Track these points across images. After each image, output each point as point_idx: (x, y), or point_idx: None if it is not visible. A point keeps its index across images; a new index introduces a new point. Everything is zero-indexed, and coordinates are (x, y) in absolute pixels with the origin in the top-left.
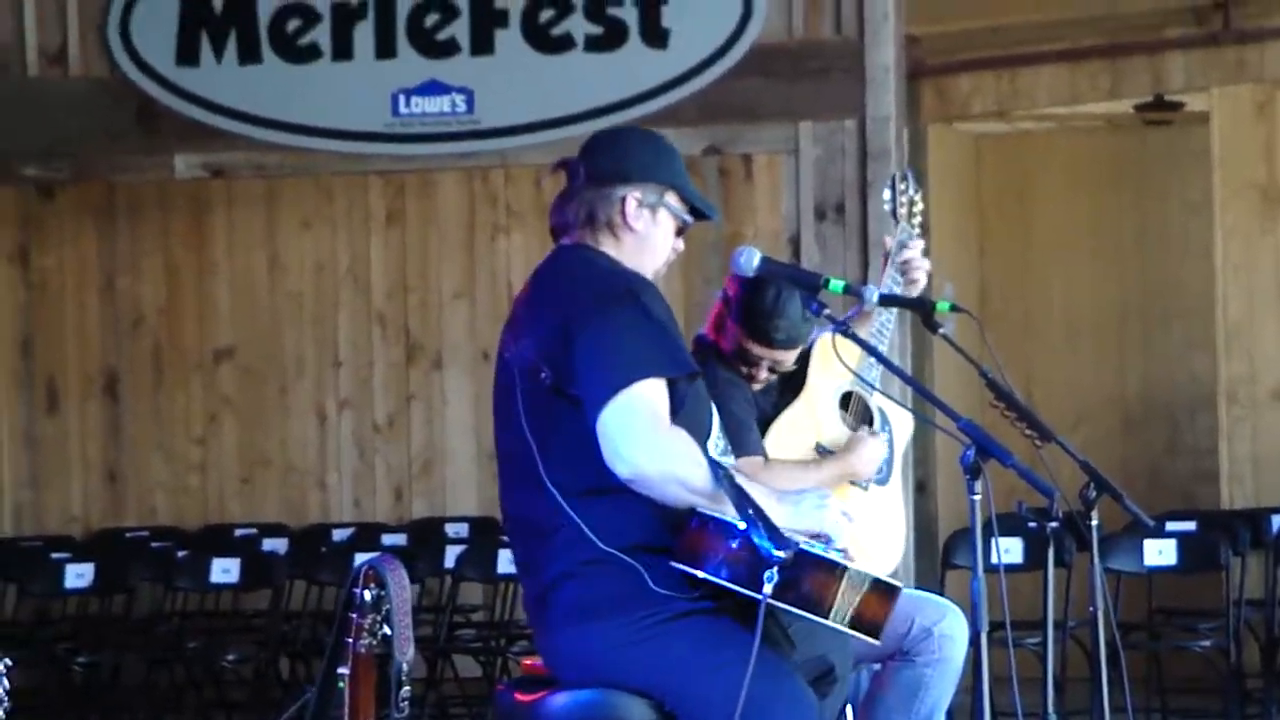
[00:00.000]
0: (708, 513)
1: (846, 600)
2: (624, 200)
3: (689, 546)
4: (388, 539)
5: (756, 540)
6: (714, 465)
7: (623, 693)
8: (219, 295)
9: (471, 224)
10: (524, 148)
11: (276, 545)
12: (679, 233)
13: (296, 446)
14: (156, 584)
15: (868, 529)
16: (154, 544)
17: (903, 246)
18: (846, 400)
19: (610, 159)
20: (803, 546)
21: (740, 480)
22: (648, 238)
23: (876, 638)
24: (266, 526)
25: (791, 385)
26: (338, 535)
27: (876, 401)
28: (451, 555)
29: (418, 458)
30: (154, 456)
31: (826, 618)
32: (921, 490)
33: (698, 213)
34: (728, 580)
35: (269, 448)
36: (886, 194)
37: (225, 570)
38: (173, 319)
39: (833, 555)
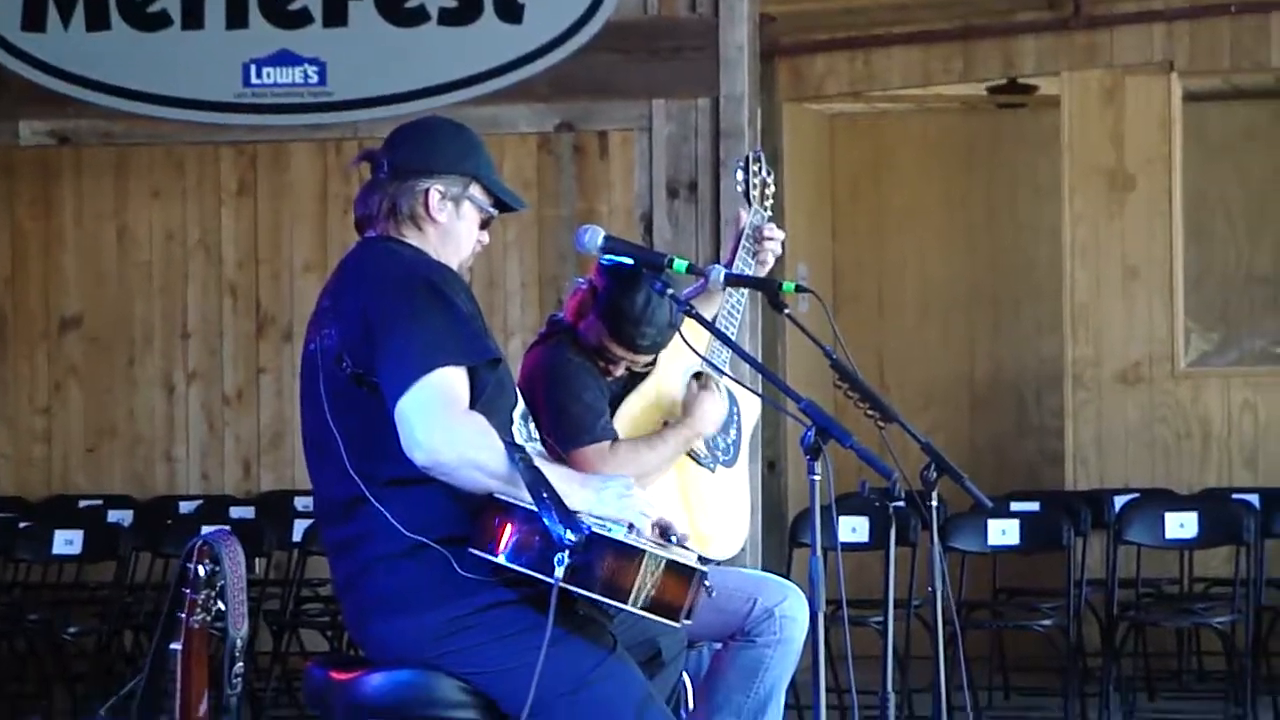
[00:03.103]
0: (503, 498)
1: (645, 584)
2: (427, 193)
3: (485, 532)
4: (235, 511)
5: (547, 523)
6: (510, 449)
7: (438, 673)
8: (66, 264)
9: (324, 196)
10: (376, 120)
11: (122, 517)
12: (484, 225)
13: (144, 417)
14: None
15: (713, 511)
16: None
17: (757, 228)
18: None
19: (413, 151)
20: (595, 530)
21: (539, 464)
22: (451, 230)
23: (676, 620)
24: (112, 498)
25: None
26: (184, 507)
27: (724, 384)
28: (299, 529)
29: (266, 430)
30: None
31: (625, 602)
32: (772, 469)
33: (504, 205)
34: (523, 565)
35: (116, 418)
36: (739, 175)
37: (68, 541)
38: (19, 287)
39: (629, 539)
